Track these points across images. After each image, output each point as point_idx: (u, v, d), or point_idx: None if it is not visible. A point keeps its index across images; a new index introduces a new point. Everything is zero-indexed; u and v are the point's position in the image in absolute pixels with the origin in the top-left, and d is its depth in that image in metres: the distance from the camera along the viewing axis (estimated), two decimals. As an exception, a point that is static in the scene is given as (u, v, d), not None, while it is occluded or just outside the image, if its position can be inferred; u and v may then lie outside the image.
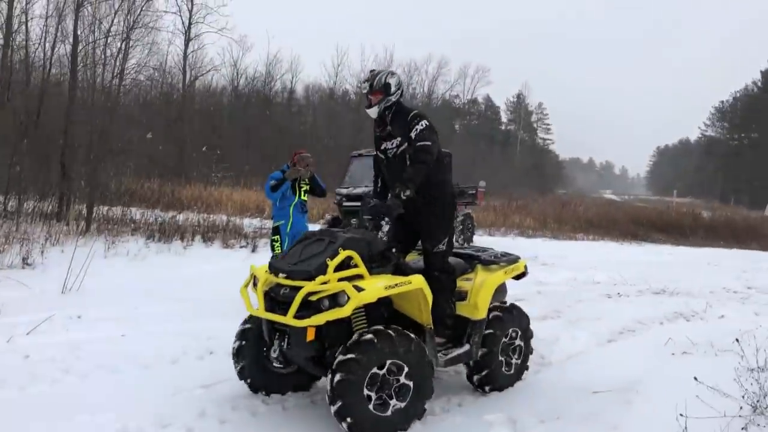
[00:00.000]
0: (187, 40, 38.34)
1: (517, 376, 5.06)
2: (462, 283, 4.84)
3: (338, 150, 33.56)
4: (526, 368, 5.17)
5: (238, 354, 4.50)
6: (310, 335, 3.90)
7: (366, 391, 3.78)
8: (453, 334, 4.71)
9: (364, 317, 4.16)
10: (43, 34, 17.50)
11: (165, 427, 4.03)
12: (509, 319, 4.97)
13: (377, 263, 4.19)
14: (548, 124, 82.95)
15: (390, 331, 3.91)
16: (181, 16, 37.41)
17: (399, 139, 4.58)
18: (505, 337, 4.94)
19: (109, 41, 18.26)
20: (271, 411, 4.41)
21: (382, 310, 4.28)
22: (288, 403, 4.52)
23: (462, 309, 4.73)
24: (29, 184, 14.72)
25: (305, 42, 57.38)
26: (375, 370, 3.81)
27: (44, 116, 15.64)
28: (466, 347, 4.68)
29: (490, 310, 4.84)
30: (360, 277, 3.99)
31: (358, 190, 14.66)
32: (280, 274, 4.11)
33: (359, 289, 3.82)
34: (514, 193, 41.12)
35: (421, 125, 4.50)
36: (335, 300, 3.83)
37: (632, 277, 11.53)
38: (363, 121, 44.75)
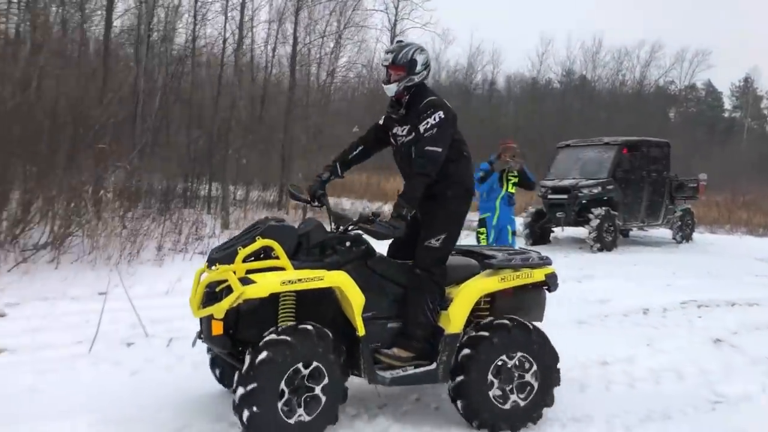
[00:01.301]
0: (393, 37, 39.58)
1: (521, 419, 3.95)
2: (453, 290, 4.08)
3: (541, 141, 32.56)
4: (538, 416, 4.02)
5: (213, 363, 4.28)
6: (216, 329, 3.50)
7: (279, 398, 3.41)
8: (424, 348, 3.92)
9: (291, 315, 3.73)
10: (267, 38, 19.07)
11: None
12: (507, 341, 3.90)
13: (312, 257, 3.74)
14: (782, 110, 73.39)
15: (285, 336, 3.43)
16: (387, 13, 38.80)
17: (409, 126, 4.06)
18: (504, 363, 3.92)
19: (323, 41, 19.39)
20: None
21: (324, 310, 3.76)
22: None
23: (441, 319, 3.98)
24: (254, 175, 16.16)
25: (508, 32, 56.55)
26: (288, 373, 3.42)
27: (266, 113, 17.08)
28: (431, 366, 3.89)
29: (479, 325, 3.97)
30: (281, 269, 3.57)
31: (565, 183, 14.07)
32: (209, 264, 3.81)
33: (247, 282, 3.40)
34: (741, 187, 36.92)
35: (434, 119, 3.90)
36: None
37: None
38: (569, 111, 43.07)
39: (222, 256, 3.64)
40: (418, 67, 4.01)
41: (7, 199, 8.66)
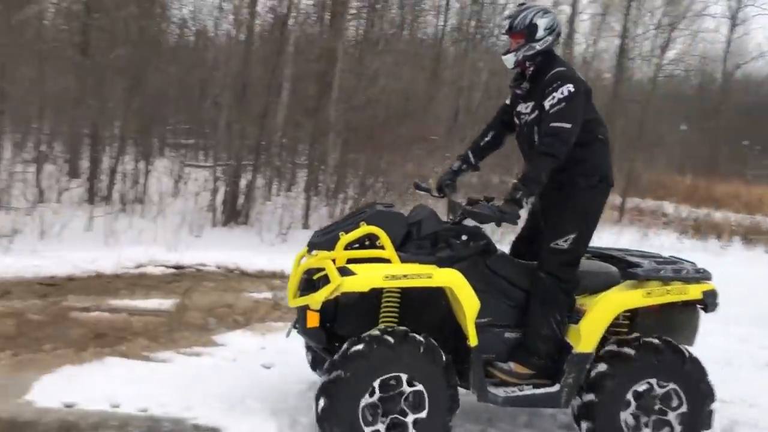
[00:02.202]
0: (733, 26, 35.41)
1: None
2: (586, 300, 3.46)
3: None
4: None
5: (307, 348, 3.95)
6: (311, 321, 3.18)
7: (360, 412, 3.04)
8: (547, 366, 3.39)
9: (394, 314, 3.34)
10: (590, 31, 18.55)
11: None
12: (655, 365, 3.34)
13: (423, 249, 3.30)
14: None
15: (389, 337, 3.06)
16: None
17: (533, 103, 3.44)
18: (649, 388, 3.36)
19: (655, 33, 18.19)
20: None
21: (432, 312, 3.34)
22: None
23: (569, 335, 3.40)
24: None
25: None
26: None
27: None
28: (553, 388, 3.34)
29: (623, 341, 3.39)
30: (386, 261, 3.18)
31: None
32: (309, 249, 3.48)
33: (347, 273, 3.04)
34: None
35: (562, 93, 3.29)
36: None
37: None
38: None
39: (322, 241, 3.36)
40: (540, 33, 3.44)
41: (345, 183, 9.86)
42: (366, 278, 3.07)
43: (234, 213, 9.59)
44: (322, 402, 3.03)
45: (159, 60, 11.46)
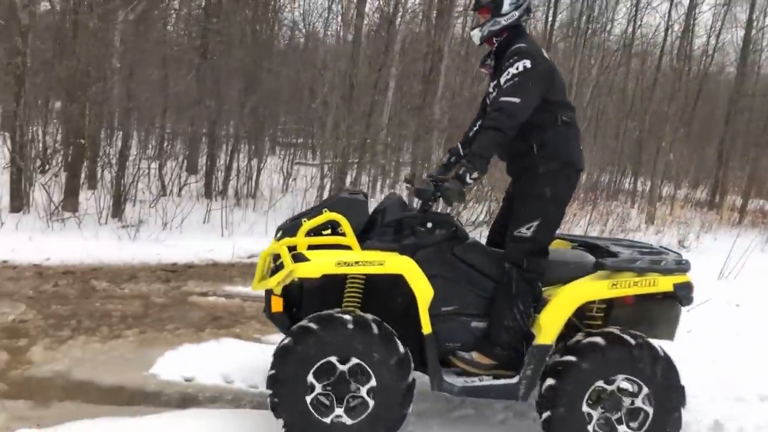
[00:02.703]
0: None
1: None
2: (553, 291, 3.29)
3: None
4: None
5: None
6: (275, 306, 3.22)
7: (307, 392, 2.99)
8: (510, 357, 3.25)
9: (356, 300, 3.27)
10: (712, 23, 17.56)
11: None
12: (614, 357, 3.10)
13: (387, 236, 3.23)
14: None
15: (312, 324, 2.98)
16: None
17: (495, 81, 3.27)
18: (607, 384, 3.13)
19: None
20: None
21: (396, 299, 3.23)
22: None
23: (534, 326, 3.24)
24: (684, 171, 15.14)
25: None
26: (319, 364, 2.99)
27: (702, 105, 15.78)
28: (513, 380, 3.20)
29: (566, 347, 3.16)
30: (347, 247, 3.13)
31: None
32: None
33: (301, 259, 3.02)
34: None
35: (516, 68, 3.13)
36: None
37: None
38: None
39: (288, 227, 3.32)
40: (506, 7, 3.28)
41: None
42: (318, 264, 3.05)
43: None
44: (270, 397, 3.02)
45: (271, 62, 11.95)
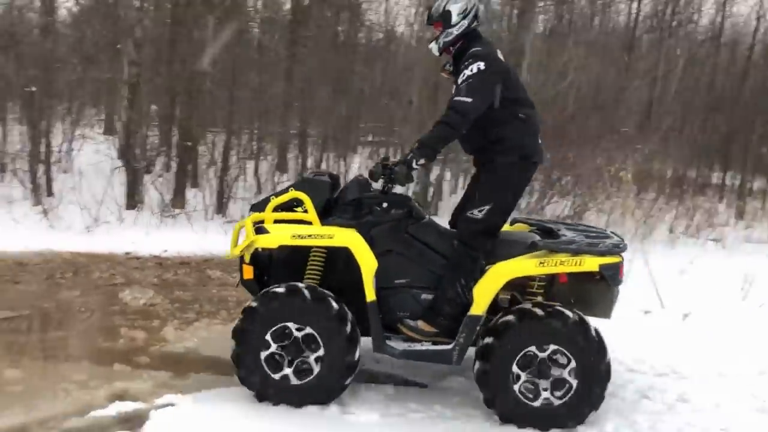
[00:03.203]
0: None
1: (557, 421, 3.45)
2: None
3: None
4: (579, 422, 3.47)
5: None
6: (246, 274, 3.65)
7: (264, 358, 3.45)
8: (450, 327, 3.57)
9: (317, 271, 3.65)
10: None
11: None
12: (541, 330, 3.43)
13: (347, 214, 3.61)
14: None
15: (278, 290, 3.44)
16: None
17: (456, 85, 3.56)
18: (534, 354, 3.43)
19: None
20: None
21: (354, 273, 3.52)
22: None
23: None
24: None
25: None
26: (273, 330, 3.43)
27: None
28: (446, 347, 3.57)
29: (506, 310, 3.53)
30: (308, 223, 3.54)
31: None
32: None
33: (261, 231, 3.50)
34: None
35: (471, 69, 3.47)
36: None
37: None
38: None
39: (259, 203, 3.75)
40: (454, 18, 3.63)
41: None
42: (275, 237, 3.51)
43: (424, 205, 10.15)
44: (231, 349, 3.48)
45: (357, 64, 12.39)
